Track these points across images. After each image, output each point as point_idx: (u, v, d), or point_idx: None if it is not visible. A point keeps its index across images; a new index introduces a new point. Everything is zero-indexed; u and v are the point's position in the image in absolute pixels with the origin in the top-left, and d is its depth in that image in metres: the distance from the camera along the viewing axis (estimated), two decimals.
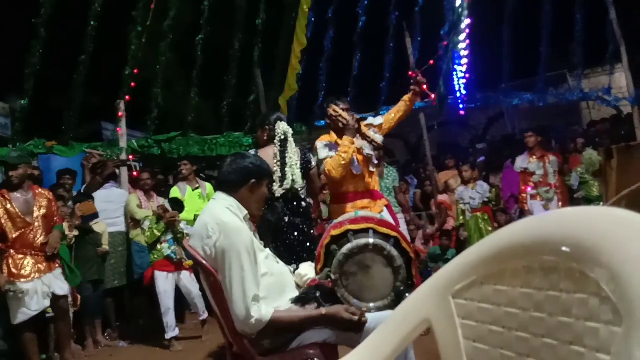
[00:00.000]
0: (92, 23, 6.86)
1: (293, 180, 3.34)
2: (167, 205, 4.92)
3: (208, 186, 5.63)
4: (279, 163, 3.35)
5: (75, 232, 4.80)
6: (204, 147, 7.58)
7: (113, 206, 5.40)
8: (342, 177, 3.47)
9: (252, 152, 3.52)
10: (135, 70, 7.12)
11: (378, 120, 3.84)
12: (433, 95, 8.92)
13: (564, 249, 0.73)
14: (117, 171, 6.05)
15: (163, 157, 7.37)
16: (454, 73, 9.42)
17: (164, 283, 4.77)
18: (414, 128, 9.38)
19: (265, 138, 3.51)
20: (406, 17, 9.28)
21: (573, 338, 0.68)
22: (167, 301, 4.73)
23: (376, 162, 3.82)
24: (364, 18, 9.31)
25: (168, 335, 4.68)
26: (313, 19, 8.68)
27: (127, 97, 6.99)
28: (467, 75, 9.21)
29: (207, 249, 2.00)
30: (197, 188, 5.52)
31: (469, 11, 7.70)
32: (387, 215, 3.61)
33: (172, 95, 8.79)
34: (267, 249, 2.24)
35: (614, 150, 3.34)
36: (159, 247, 4.79)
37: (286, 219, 3.35)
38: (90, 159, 5.66)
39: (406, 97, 3.96)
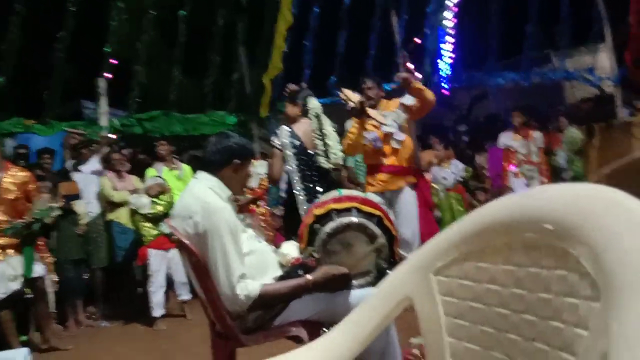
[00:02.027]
0: None
1: (335, 155, 3.48)
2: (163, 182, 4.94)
3: (185, 167, 5.56)
4: (320, 139, 3.48)
5: (58, 212, 4.74)
6: (186, 126, 7.49)
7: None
8: (357, 152, 3.95)
9: (285, 127, 3.60)
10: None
11: (409, 100, 3.86)
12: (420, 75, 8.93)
13: (545, 225, 0.72)
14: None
15: (145, 136, 7.27)
16: (440, 52, 9.39)
17: (159, 262, 4.77)
18: None
19: (299, 113, 3.62)
20: None
21: (552, 314, 0.68)
22: (159, 279, 4.74)
23: (400, 138, 3.88)
24: None
25: (157, 313, 4.68)
26: None
27: (107, 75, 6.84)
28: (453, 55, 9.18)
29: (189, 229, 1.99)
30: (174, 168, 5.45)
31: None
32: (407, 193, 3.90)
33: (154, 73, 8.61)
34: (250, 229, 2.23)
35: (595, 128, 3.37)
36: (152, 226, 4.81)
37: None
38: (70, 139, 5.55)
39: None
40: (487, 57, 9.61)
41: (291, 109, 3.68)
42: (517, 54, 9.61)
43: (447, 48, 9.12)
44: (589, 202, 0.69)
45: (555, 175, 6.53)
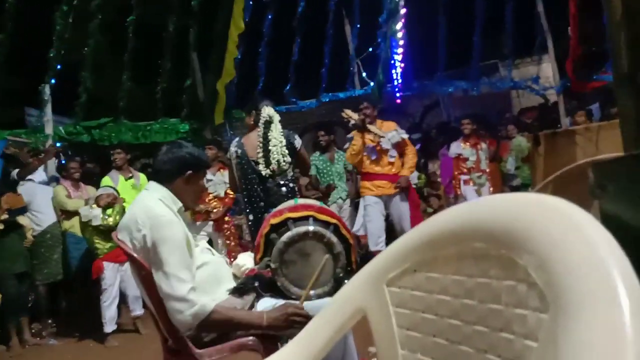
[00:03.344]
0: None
1: (278, 162, 3.45)
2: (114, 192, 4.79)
3: (141, 176, 5.42)
4: (261, 145, 3.46)
5: (0, 226, 4.53)
6: (137, 134, 7.27)
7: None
8: (358, 161, 4.76)
9: (236, 138, 3.72)
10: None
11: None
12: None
13: (492, 234, 0.73)
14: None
15: (93, 144, 7.01)
16: (392, 61, 9.54)
17: (113, 275, 4.66)
18: None
19: (252, 122, 3.67)
20: (345, 3, 9.30)
21: (503, 325, 0.68)
22: (112, 294, 4.63)
23: (394, 155, 4.75)
24: (303, 3, 9.23)
25: (108, 329, 4.54)
26: (251, 2, 8.49)
27: (52, 81, 6.57)
28: (403, 64, 9.35)
29: (137, 243, 1.91)
30: (130, 177, 5.30)
31: (405, 0, 7.79)
32: (400, 196, 4.75)
33: (102, 79, 8.34)
34: (202, 241, 2.18)
35: (541, 136, 3.50)
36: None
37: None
38: (11, 149, 5.31)
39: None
40: (436, 67, 9.85)
41: (247, 119, 3.79)
42: (465, 63, 9.91)
43: (397, 58, 9.27)
44: (535, 211, 0.70)
45: (504, 181, 6.75)
